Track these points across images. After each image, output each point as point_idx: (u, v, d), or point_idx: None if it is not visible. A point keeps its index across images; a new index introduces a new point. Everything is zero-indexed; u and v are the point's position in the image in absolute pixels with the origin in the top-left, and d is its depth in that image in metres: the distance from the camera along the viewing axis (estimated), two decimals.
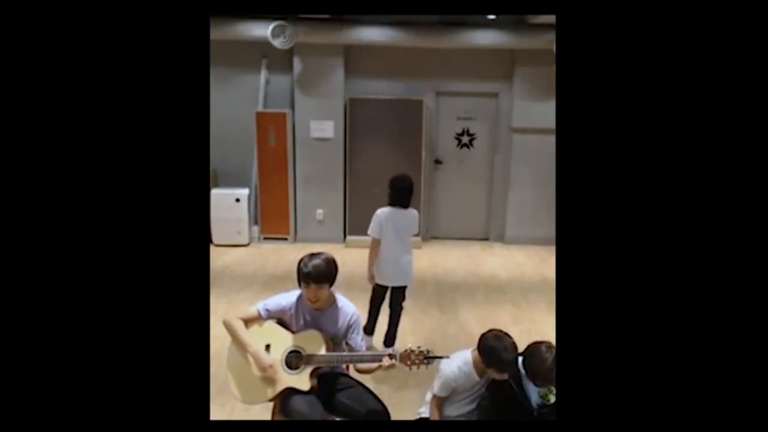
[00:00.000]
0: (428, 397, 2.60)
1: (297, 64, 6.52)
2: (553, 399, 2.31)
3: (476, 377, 2.43)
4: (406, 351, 2.34)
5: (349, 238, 6.78)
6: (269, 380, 2.45)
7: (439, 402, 2.50)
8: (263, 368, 2.43)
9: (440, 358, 2.42)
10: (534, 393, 2.34)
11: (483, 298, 5.17)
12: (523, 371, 2.35)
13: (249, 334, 2.51)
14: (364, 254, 3.84)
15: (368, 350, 2.48)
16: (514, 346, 2.33)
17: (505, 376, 2.33)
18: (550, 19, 5.66)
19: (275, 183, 6.67)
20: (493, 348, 2.30)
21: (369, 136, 6.62)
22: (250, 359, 2.47)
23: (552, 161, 6.51)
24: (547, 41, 6.04)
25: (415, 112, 6.52)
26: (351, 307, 2.58)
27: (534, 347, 2.33)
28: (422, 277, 5.52)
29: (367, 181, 6.70)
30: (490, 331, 2.41)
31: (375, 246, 3.71)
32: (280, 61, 6.57)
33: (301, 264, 2.45)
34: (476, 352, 2.40)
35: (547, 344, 2.32)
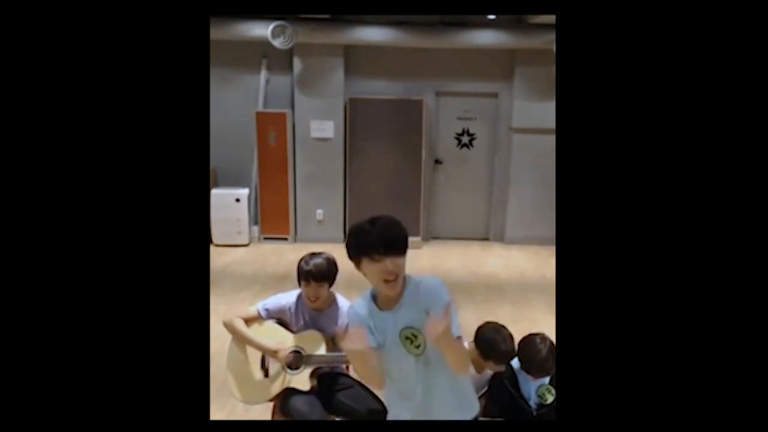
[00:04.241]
0: None
1: (297, 64, 6.52)
2: (550, 398, 2.31)
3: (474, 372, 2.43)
4: None
5: None
6: (269, 380, 2.46)
7: None
8: (273, 355, 2.44)
9: None
10: (532, 393, 2.34)
11: (483, 298, 5.17)
12: (517, 365, 2.35)
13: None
14: None
15: None
16: (511, 337, 2.34)
17: (503, 368, 2.33)
18: (550, 19, 5.66)
19: (275, 183, 6.67)
20: (491, 340, 2.31)
21: (369, 136, 6.62)
22: (251, 359, 2.47)
23: (552, 161, 6.52)
24: (547, 41, 6.04)
25: (415, 112, 6.52)
26: None
27: (528, 339, 2.34)
28: None
29: (367, 181, 6.70)
30: (486, 323, 2.42)
31: None
32: (280, 61, 6.57)
33: (302, 262, 2.46)
34: (472, 345, 2.39)
35: (541, 336, 2.33)
